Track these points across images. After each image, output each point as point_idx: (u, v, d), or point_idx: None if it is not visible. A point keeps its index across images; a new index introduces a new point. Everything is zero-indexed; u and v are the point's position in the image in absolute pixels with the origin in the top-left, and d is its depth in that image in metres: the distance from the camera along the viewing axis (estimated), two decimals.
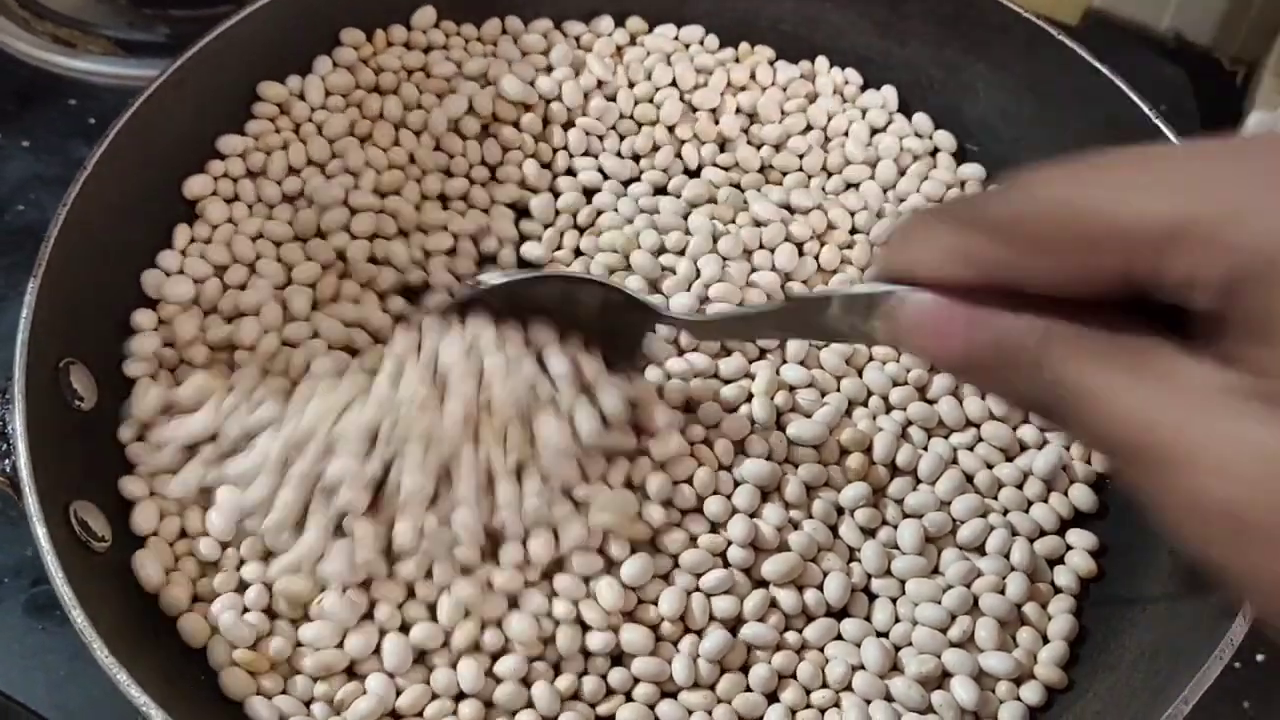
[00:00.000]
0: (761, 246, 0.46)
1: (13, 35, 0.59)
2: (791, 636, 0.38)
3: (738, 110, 0.51)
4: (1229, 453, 0.19)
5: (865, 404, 0.43)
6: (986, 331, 0.23)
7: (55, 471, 0.36)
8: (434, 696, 0.37)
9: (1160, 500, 0.20)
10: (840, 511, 0.41)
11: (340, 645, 0.37)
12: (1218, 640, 0.34)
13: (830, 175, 0.50)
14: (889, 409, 0.43)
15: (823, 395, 0.43)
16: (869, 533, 0.41)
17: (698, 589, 0.38)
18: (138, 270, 0.43)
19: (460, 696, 0.37)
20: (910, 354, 0.25)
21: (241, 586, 0.37)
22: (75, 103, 0.59)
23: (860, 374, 0.44)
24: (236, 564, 0.38)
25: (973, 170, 0.50)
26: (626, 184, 0.48)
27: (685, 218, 0.47)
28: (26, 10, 0.60)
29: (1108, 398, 0.21)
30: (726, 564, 0.39)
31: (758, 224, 0.47)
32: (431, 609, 0.37)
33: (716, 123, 0.50)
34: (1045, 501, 0.42)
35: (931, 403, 0.43)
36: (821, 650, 0.39)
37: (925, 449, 0.42)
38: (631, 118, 0.50)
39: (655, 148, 0.49)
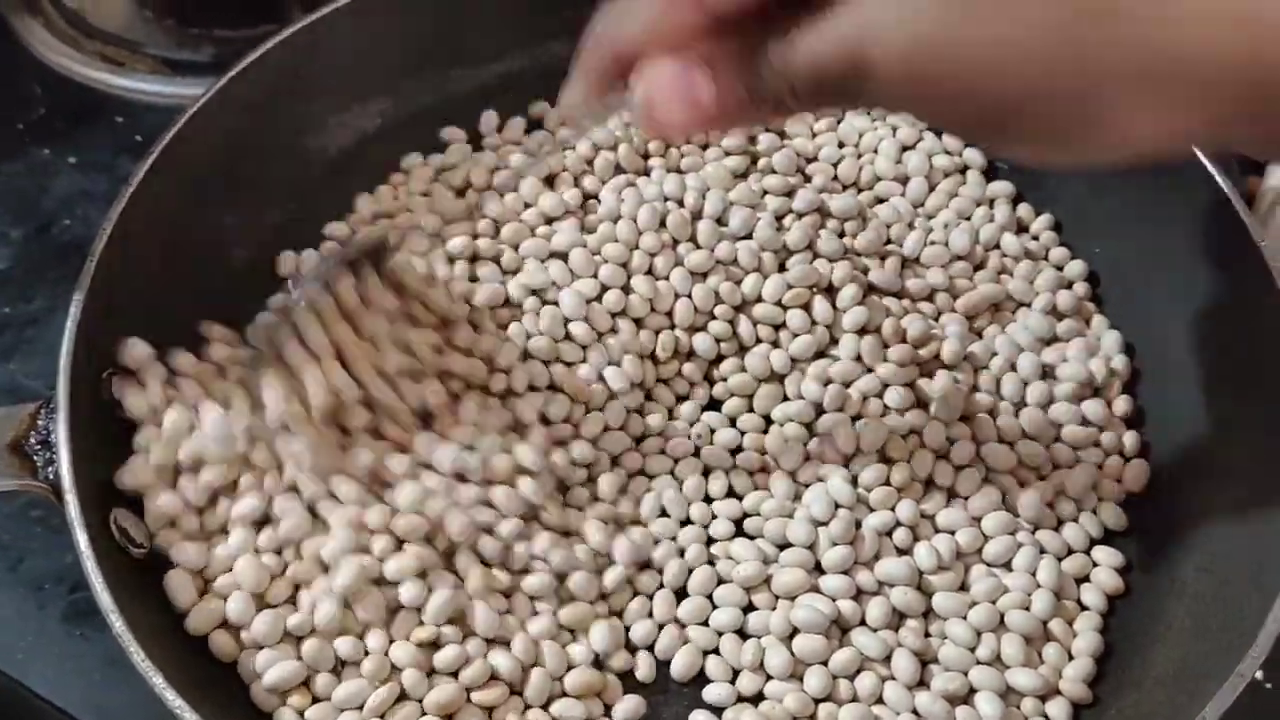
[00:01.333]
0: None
1: (62, 54, 0.61)
2: None
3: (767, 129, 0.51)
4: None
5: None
6: (732, 91, 0.29)
7: (96, 479, 0.37)
8: None
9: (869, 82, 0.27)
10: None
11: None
12: (1241, 656, 0.34)
13: (861, 191, 0.50)
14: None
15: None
16: (903, 551, 0.41)
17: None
18: (181, 283, 0.44)
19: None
20: (661, 133, 0.31)
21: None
22: (122, 121, 0.60)
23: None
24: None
25: (1002, 187, 0.50)
26: None
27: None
28: (76, 29, 0.62)
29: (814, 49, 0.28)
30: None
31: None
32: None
33: (753, 141, 0.50)
34: (1075, 521, 0.42)
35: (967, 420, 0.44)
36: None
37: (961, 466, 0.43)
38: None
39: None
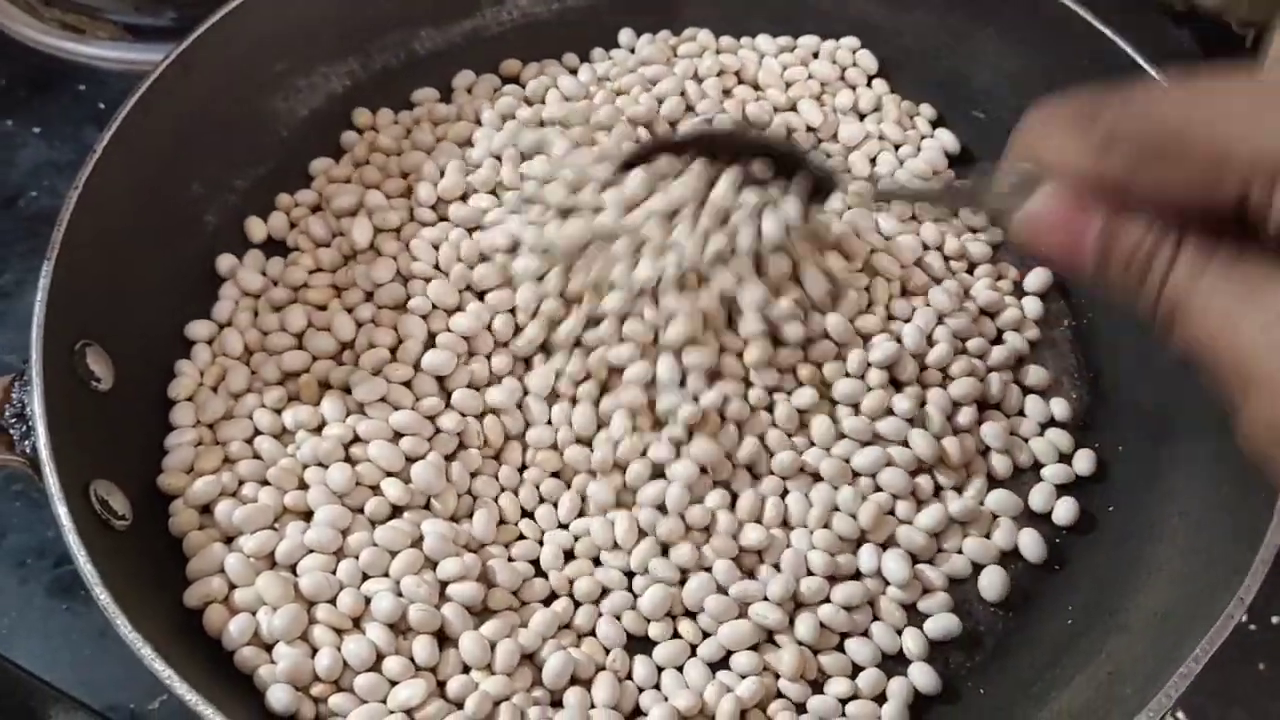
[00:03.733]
0: None
1: (21, 22, 0.60)
2: None
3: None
4: None
5: None
6: (1119, 240, 0.26)
7: (74, 451, 0.36)
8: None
9: (1240, 415, 0.24)
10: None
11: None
12: (1228, 599, 0.34)
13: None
14: None
15: None
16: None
17: None
18: (151, 252, 0.44)
19: None
20: (1039, 251, 0.27)
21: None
22: (85, 89, 0.59)
23: None
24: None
25: None
26: None
27: None
28: None
29: (1219, 322, 0.24)
30: None
31: None
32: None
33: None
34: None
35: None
36: None
37: None
38: None
39: None
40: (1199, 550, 0.38)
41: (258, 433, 0.41)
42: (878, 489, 0.42)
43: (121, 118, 0.42)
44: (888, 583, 0.40)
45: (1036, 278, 0.48)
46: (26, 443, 0.36)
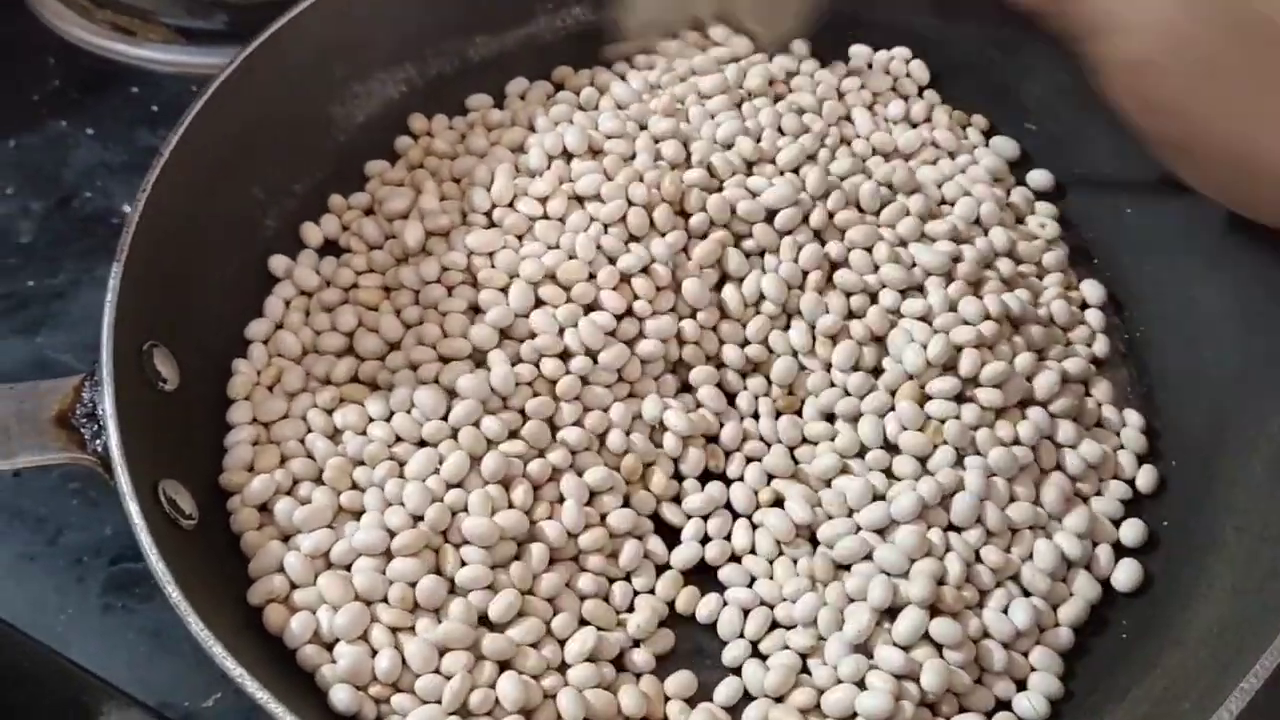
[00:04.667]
0: None
1: (73, 24, 0.60)
2: None
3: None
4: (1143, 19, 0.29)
5: None
6: None
7: (143, 451, 0.37)
8: None
9: (1097, 67, 0.30)
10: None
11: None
12: None
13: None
14: None
15: None
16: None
17: None
18: (212, 255, 0.44)
19: None
20: None
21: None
22: (138, 90, 0.59)
23: None
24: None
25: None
26: None
27: None
28: None
29: None
30: None
31: None
32: None
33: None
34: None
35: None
36: None
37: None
38: None
39: None
40: (1256, 564, 0.38)
41: (310, 431, 0.42)
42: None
43: (188, 122, 0.43)
44: None
45: (1092, 290, 0.48)
46: (98, 442, 0.37)
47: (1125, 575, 0.41)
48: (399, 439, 0.41)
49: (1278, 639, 0.34)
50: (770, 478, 0.43)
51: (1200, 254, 0.46)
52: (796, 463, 0.43)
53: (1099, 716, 0.38)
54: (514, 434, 0.42)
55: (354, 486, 0.41)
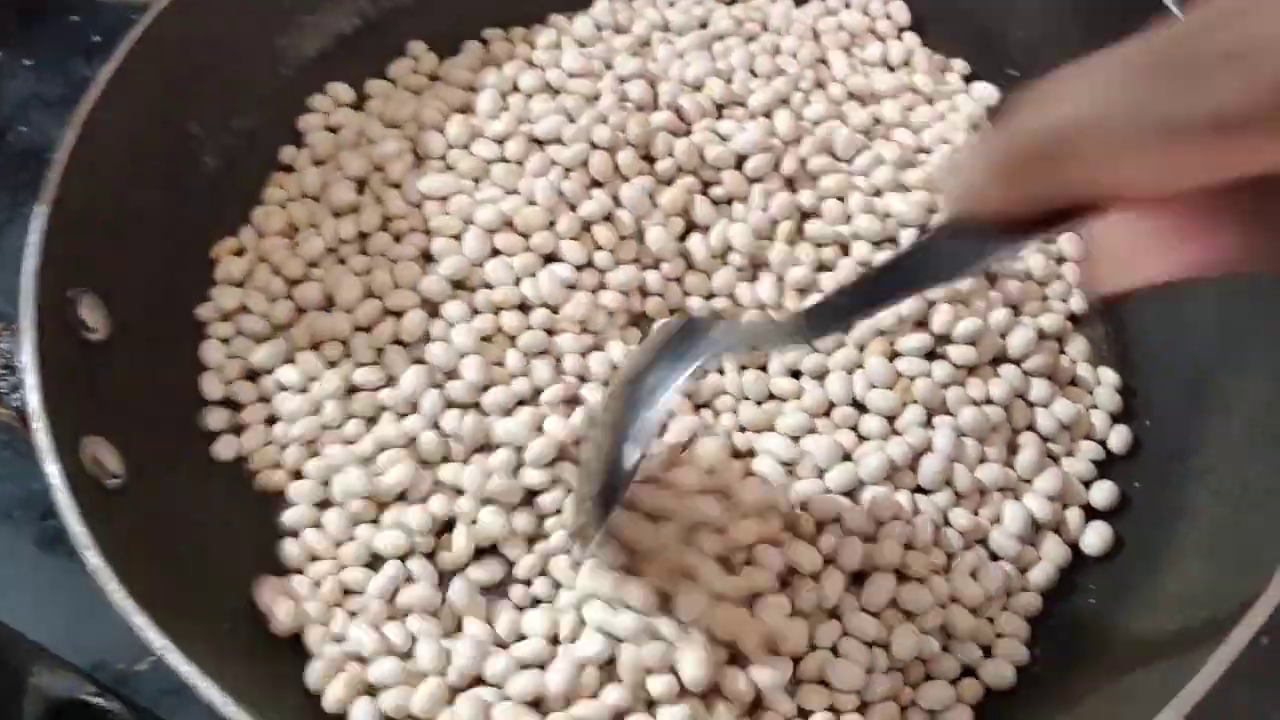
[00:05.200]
0: None
1: None
2: None
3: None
4: None
5: None
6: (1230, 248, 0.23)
7: (66, 406, 0.35)
8: None
9: None
10: None
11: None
12: (1264, 580, 0.32)
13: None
14: None
15: None
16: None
17: None
18: (147, 196, 0.42)
19: None
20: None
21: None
22: (77, 19, 0.56)
23: None
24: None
25: None
26: None
27: None
28: None
29: None
30: None
31: None
32: None
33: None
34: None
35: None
36: None
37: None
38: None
39: None
40: (1232, 528, 0.37)
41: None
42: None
43: (124, 52, 0.40)
44: None
45: (1070, 244, 0.46)
46: (15, 395, 0.34)
47: (1095, 539, 0.40)
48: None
49: (1255, 606, 0.32)
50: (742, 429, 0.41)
51: None
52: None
53: (1066, 683, 0.37)
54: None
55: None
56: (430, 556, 0.38)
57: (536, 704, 0.35)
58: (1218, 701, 0.38)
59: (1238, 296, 0.41)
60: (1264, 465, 0.37)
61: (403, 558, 0.38)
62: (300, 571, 0.38)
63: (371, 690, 0.35)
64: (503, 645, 0.36)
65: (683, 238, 0.44)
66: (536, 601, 0.37)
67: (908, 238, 0.44)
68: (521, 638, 0.37)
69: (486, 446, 0.39)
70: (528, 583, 0.38)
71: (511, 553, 0.38)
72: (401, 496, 0.38)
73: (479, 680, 0.35)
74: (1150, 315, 0.44)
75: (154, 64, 0.41)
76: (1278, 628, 0.32)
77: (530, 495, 0.38)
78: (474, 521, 0.38)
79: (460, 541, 0.38)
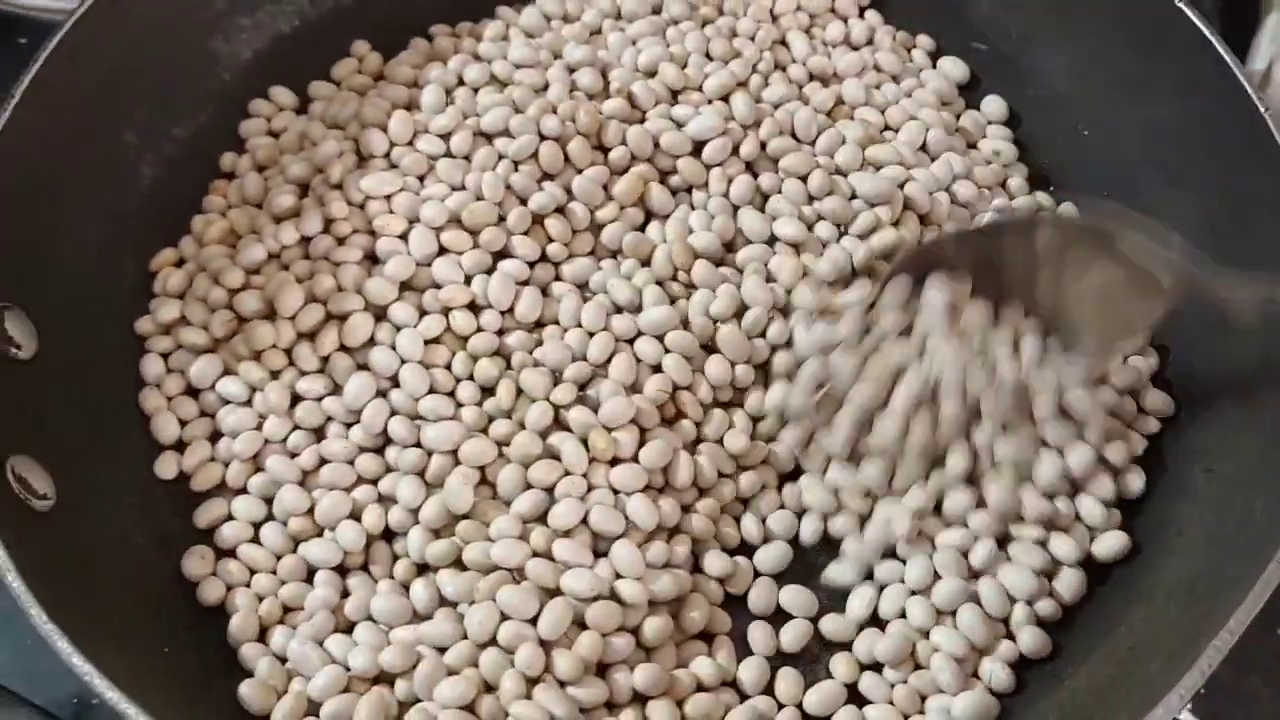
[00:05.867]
0: None
1: None
2: None
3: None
4: None
5: None
6: None
7: None
8: None
9: None
10: None
11: None
12: (1264, 564, 0.31)
13: None
14: None
15: None
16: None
17: None
18: (80, 209, 0.40)
19: None
20: None
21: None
22: (25, 41, 0.55)
23: None
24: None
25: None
26: None
27: None
28: None
29: None
30: None
31: None
32: None
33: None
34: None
35: None
36: None
37: None
38: None
39: None
40: (1228, 510, 0.35)
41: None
42: None
43: (41, 61, 0.39)
44: None
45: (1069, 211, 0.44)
46: None
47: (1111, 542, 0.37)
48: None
49: (1254, 590, 0.30)
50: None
51: (1161, 172, 0.42)
52: None
53: (1058, 680, 0.35)
54: None
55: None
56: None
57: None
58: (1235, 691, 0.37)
59: (1221, 259, 0.40)
60: (1260, 443, 0.36)
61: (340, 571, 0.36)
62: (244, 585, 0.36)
63: (314, 708, 0.33)
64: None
65: (641, 228, 0.42)
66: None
67: (882, 214, 0.42)
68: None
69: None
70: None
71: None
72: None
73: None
74: None
75: (78, 74, 0.40)
76: None
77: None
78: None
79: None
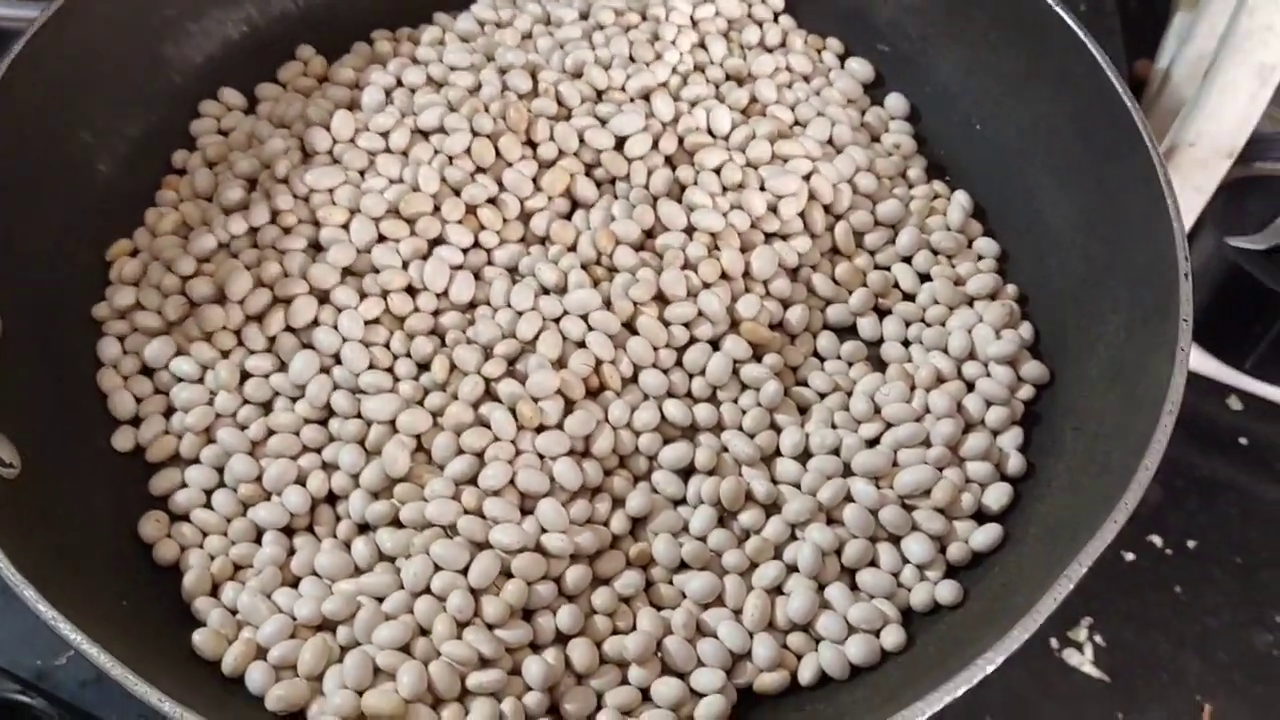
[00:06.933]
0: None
1: None
2: None
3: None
4: None
5: None
6: None
7: None
8: None
9: None
10: None
11: None
12: (1114, 507, 0.34)
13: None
14: None
15: None
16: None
17: None
18: (39, 203, 0.43)
19: None
20: None
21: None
22: None
23: None
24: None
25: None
26: None
27: None
28: None
29: None
30: None
31: None
32: None
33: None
34: None
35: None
36: None
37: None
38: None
39: None
40: (1090, 461, 0.38)
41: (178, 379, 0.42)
42: None
43: (4, 66, 0.41)
44: None
45: (964, 200, 0.48)
46: None
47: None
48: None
49: (1101, 529, 0.34)
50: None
51: (1046, 166, 0.46)
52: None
53: (937, 616, 0.38)
54: None
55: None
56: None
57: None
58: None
59: (1096, 244, 0.43)
60: (1120, 401, 0.39)
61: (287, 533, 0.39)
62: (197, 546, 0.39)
63: (262, 653, 0.36)
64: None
65: (567, 217, 0.46)
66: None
67: (788, 208, 0.46)
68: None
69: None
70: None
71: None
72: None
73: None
74: (1019, 270, 0.46)
75: (37, 78, 0.42)
76: None
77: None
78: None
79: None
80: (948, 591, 0.38)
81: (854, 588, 0.39)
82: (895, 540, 0.39)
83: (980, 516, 0.40)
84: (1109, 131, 0.43)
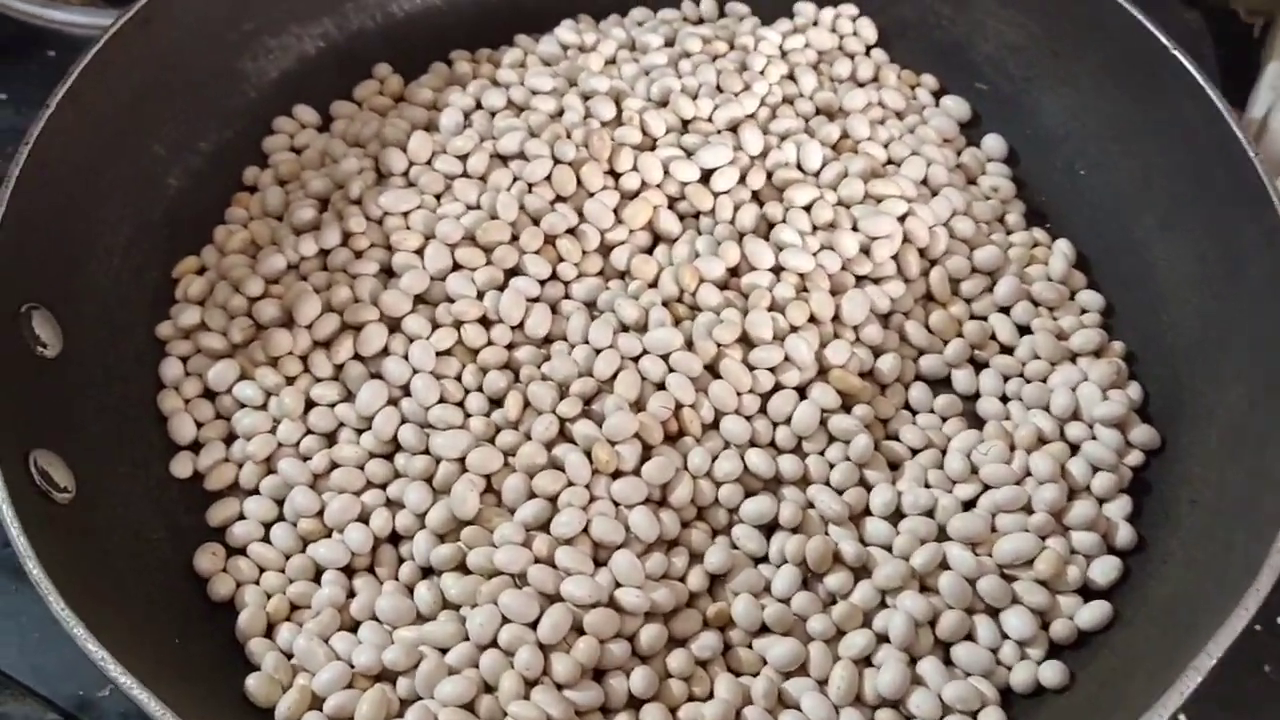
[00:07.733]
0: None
1: None
2: None
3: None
4: None
5: None
6: None
7: (14, 419, 0.34)
8: None
9: None
10: None
11: None
12: (1242, 592, 0.32)
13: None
14: None
15: None
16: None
17: None
18: (108, 215, 0.42)
19: None
20: None
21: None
22: (55, 55, 0.57)
23: None
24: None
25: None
26: None
27: None
28: None
29: None
30: None
31: None
32: None
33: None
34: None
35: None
36: None
37: None
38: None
39: None
40: (1209, 538, 0.36)
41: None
42: None
43: (76, 75, 0.40)
44: None
45: (1064, 247, 0.45)
46: None
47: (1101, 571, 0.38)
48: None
49: (1231, 616, 0.31)
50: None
51: (1153, 212, 0.44)
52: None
53: (1040, 700, 0.36)
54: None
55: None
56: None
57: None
58: None
59: (1211, 300, 0.41)
60: (1244, 476, 0.37)
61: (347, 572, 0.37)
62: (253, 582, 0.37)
63: (318, 702, 0.34)
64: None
65: (649, 251, 0.44)
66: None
67: (881, 250, 0.43)
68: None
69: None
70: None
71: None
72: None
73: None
74: (1128, 324, 0.44)
75: (109, 87, 0.41)
76: None
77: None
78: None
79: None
80: (1053, 673, 0.35)
81: (948, 663, 0.36)
82: (994, 613, 0.37)
83: (1086, 592, 0.37)
84: (1229, 184, 0.41)
